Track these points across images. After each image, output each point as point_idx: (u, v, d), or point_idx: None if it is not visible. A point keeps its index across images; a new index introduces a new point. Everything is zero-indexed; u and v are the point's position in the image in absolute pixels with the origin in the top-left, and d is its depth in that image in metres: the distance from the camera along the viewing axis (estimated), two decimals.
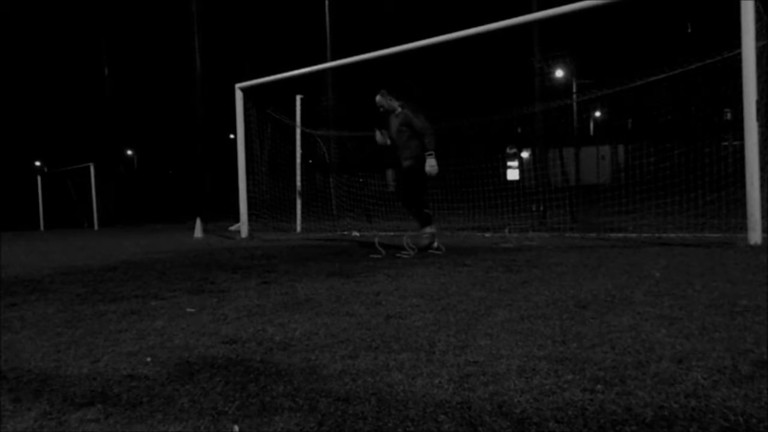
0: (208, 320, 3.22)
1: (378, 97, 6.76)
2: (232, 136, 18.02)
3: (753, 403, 1.71)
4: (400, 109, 6.65)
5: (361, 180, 14.39)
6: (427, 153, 6.32)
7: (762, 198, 5.99)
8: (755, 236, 5.94)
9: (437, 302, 3.46)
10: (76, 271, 5.98)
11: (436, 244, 6.48)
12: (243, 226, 11.16)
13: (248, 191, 11.31)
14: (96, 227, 21.62)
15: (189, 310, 3.55)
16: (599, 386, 1.90)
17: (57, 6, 33.06)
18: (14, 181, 25.22)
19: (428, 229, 6.56)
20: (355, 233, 10.97)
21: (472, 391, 1.91)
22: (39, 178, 24.76)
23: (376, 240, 6.87)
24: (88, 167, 22.07)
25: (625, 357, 2.21)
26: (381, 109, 6.77)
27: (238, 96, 11.24)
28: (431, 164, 6.31)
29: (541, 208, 10.92)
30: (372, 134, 6.88)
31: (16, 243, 13.08)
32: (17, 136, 32.94)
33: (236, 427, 1.69)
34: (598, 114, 38.87)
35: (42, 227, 23.72)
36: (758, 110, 5.99)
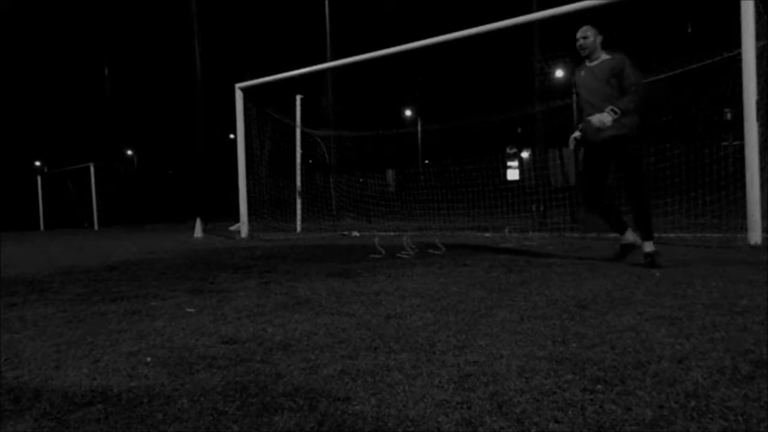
0: (208, 320, 3.22)
1: (585, 29, 4.94)
2: (232, 136, 18.02)
3: (753, 403, 1.71)
4: (605, 55, 4.88)
5: (361, 180, 14.40)
6: (615, 108, 4.56)
7: (762, 198, 5.99)
8: (755, 236, 5.94)
9: (437, 302, 3.46)
10: (76, 271, 5.97)
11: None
12: (243, 226, 11.16)
13: (248, 191, 11.32)
14: (96, 227, 21.62)
15: (189, 310, 3.54)
16: (599, 386, 1.90)
17: (57, 6, 33.04)
18: (14, 181, 25.21)
19: (649, 246, 4.75)
20: (355, 233, 10.97)
21: (472, 391, 1.91)
22: (39, 178, 24.76)
23: (376, 240, 6.87)
24: (88, 167, 22.08)
25: (625, 357, 2.21)
26: (584, 52, 4.94)
27: (238, 96, 11.24)
28: (605, 116, 4.58)
29: (541, 208, 10.91)
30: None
31: (16, 243, 13.08)
32: (17, 136, 32.92)
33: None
34: None
35: (42, 227, 23.72)
36: (758, 110, 5.99)
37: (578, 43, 4.98)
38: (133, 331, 3.02)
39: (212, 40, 24.43)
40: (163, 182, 28.51)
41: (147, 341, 2.78)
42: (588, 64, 4.97)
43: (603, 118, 4.59)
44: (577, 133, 5.13)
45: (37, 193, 24.23)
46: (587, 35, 4.93)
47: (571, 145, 5.14)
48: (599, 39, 4.95)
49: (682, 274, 4.19)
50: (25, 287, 4.87)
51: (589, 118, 4.73)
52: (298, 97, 12.66)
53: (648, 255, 4.73)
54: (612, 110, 4.57)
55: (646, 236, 4.77)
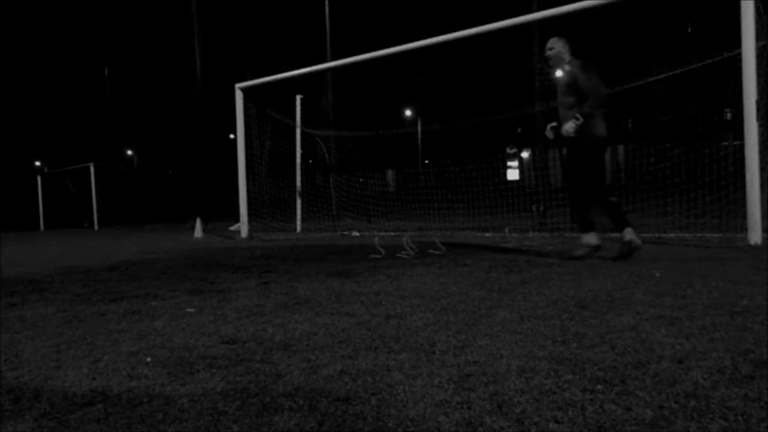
0: (208, 320, 3.22)
1: (553, 41, 5.26)
2: (232, 136, 18.03)
3: (753, 403, 1.71)
4: (568, 66, 5.15)
5: (361, 180, 14.41)
6: (577, 116, 4.95)
7: (762, 198, 5.99)
8: (755, 236, 5.93)
9: (437, 302, 3.46)
10: (76, 271, 5.97)
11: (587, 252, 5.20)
12: (243, 226, 11.16)
13: (248, 191, 11.31)
14: (96, 227, 21.62)
15: (189, 310, 3.54)
16: (599, 386, 1.90)
17: (57, 6, 33.05)
18: (14, 181, 25.23)
19: (586, 239, 5.26)
20: (355, 233, 10.97)
21: (472, 391, 1.91)
22: (39, 178, 24.77)
23: (376, 240, 6.87)
24: (88, 167, 22.09)
25: (625, 357, 2.21)
26: (549, 62, 5.33)
27: (238, 96, 11.24)
28: (569, 125, 5.01)
29: (541, 208, 10.91)
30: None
31: (16, 243, 13.08)
32: (17, 136, 32.93)
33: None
34: None
35: (42, 227, 23.72)
36: (758, 110, 5.99)
37: (545, 54, 5.37)
38: (133, 331, 3.02)
39: (212, 40, 24.42)
40: (163, 182, 28.51)
41: (147, 341, 2.78)
42: (558, 75, 5.37)
43: (568, 128, 5.06)
44: (554, 123, 5.46)
45: (37, 193, 24.24)
46: (553, 47, 5.28)
47: (549, 134, 5.50)
48: (566, 49, 5.25)
49: (682, 274, 4.19)
50: (25, 287, 4.87)
51: (561, 130, 5.20)
52: (298, 97, 12.65)
53: (583, 247, 5.24)
54: (575, 117, 5.00)
55: (582, 229, 5.26)
